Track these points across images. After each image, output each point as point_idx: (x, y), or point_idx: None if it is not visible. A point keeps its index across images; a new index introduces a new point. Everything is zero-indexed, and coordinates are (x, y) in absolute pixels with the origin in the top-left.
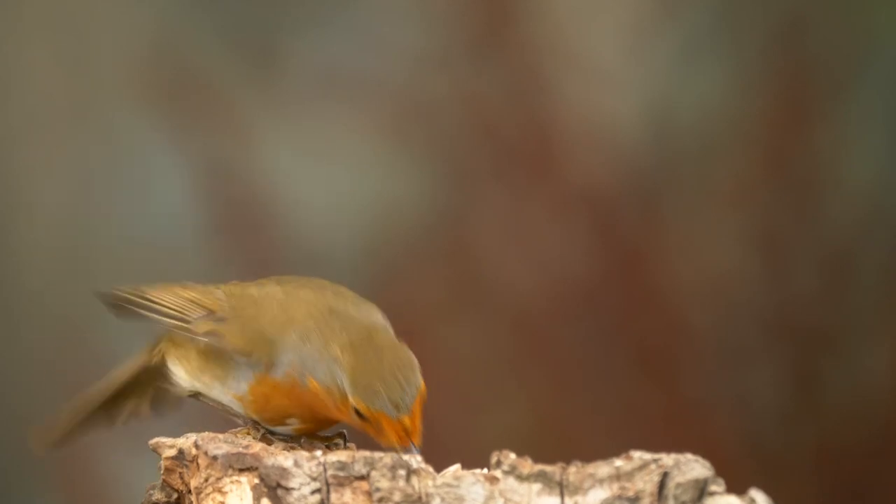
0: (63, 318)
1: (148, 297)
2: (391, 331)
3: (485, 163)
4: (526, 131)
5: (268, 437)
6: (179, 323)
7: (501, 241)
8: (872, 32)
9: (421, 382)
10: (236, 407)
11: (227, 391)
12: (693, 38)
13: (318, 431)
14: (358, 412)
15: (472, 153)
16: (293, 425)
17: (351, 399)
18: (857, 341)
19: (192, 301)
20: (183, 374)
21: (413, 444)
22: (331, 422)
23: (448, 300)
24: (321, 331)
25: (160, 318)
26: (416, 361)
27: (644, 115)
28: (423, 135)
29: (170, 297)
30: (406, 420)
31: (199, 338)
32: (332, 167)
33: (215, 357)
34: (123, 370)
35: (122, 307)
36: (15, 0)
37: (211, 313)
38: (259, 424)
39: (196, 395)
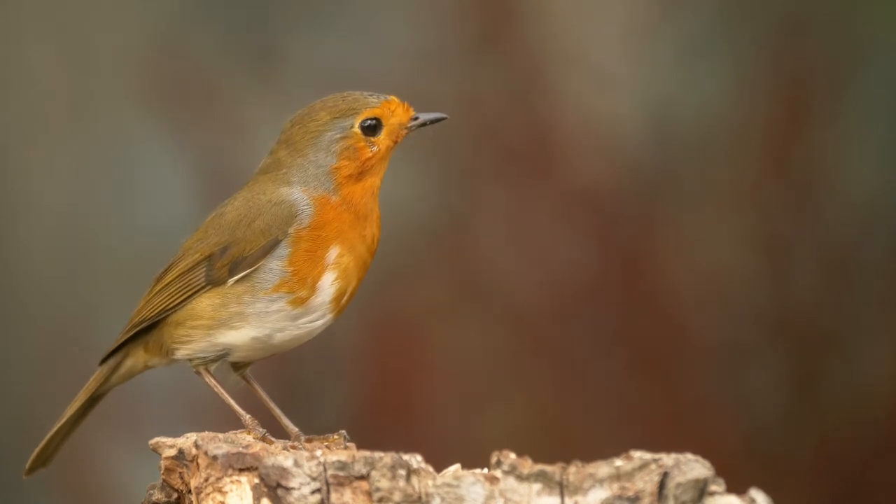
0: (63, 318)
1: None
2: None
3: (485, 163)
4: (526, 131)
5: (268, 437)
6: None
7: (502, 242)
8: (872, 32)
9: None
10: (276, 305)
11: (261, 291)
12: (693, 39)
13: (355, 263)
14: (369, 126)
15: (473, 154)
16: (333, 260)
17: (357, 122)
18: (857, 341)
19: (182, 274)
20: (201, 333)
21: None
22: (365, 223)
23: (449, 300)
24: (294, 155)
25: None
26: None
27: (644, 115)
28: (424, 135)
29: (166, 299)
30: (396, 98)
31: (235, 278)
32: None
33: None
34: (81, 397)
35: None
36: (15, 0)
37: (208, 258)
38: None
39: (203, 369)
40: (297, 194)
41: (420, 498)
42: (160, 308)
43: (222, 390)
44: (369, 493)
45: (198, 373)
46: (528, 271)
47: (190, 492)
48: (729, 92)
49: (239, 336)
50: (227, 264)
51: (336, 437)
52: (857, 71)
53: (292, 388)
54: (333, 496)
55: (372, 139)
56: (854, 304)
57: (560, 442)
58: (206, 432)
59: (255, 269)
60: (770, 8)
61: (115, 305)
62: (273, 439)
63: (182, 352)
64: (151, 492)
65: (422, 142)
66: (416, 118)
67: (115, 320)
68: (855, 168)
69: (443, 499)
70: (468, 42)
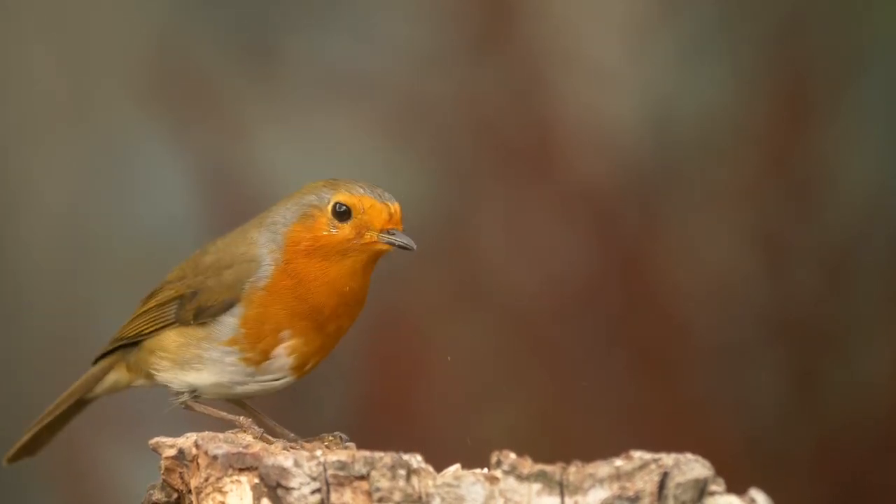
0: (63, 318)
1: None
2: None
3: (485, 163)
4: (526, 131)
5: (267, 437)
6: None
7: (502, 241)
8: (872, 32)
9: None
10: (230, 358)
11: (216, 341)
12: (693, 38)
13: (312, 349)
14: (340, 210)
15: (473, 153)
16: (287, 340)
17: (332, 200)
18: (857, 341)
19: (159, 305)
20: (168, 365)
21: (398, 229)
22: (325, 318)
23: (449, 300)
24: (282, 204)
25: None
26: None
27: (644, 114)
28: (424, 134)
29: (143, 324)
30: (391, 207)
31: (193, 322)
32: (333, 167)
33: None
34: (70, 394)
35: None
36: (15, 0)
37: (180, 298)
38: (255, 378)
39: (190, 401)
40: (263, 252)
41: (420, 498)
42: (136, 332)
43: (213, 410)
44: (369, 493)
45: (187, 407)
46: (528, 271)
47: (190, 492)
48: (729, 92)
49: (201, 378)
50: (193, 309)
51: (332, 437)
52: (857, 71)
53: (292, 388)
54: (333, 496)
55: (336, 223)
56: (854, 304)
57: (560, 442)
58: (207, 432)
59: (213, 319)
60: (770, 8)
61: (115, 305)
62: (272, 438)
63: (159, 378)
64: (151, 492)
65: (422, 141)
66: (390, 233)
67: (115, 320)
68: (855, 168)
69: (443, 499)
70: (468, 42)
